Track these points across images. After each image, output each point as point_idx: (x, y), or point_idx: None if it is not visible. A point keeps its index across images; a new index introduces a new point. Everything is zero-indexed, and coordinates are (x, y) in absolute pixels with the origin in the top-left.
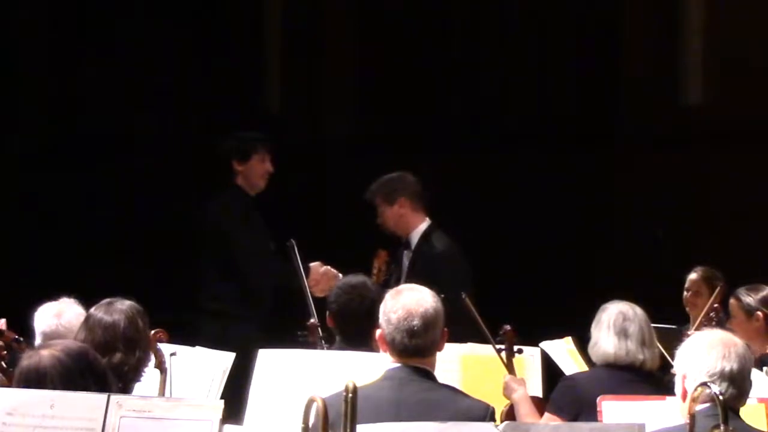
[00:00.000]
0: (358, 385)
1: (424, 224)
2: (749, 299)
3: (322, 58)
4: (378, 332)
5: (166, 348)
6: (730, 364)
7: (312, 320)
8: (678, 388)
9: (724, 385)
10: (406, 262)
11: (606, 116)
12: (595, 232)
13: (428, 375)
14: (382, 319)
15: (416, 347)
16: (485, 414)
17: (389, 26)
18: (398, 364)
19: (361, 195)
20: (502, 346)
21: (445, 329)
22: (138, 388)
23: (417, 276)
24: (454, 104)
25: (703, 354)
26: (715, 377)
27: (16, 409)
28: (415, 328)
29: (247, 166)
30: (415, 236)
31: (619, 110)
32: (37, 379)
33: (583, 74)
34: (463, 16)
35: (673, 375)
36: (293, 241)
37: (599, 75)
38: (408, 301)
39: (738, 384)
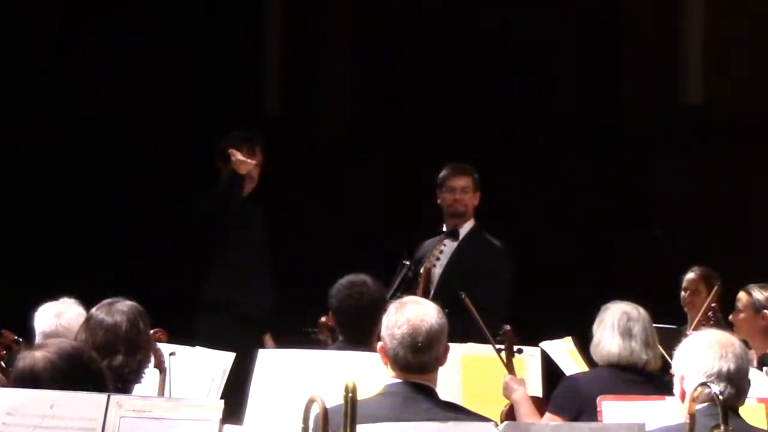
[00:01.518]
0: (357, 388)
1: (472, 221)
2: (760, 296)
3: (323, 58)
4: (379, 345)
5: (165, 348)
6: (728, 365)
7: (323, 318)
8: (676, 389)
9: (722, 385)
10: (443, 249)
11: (606, 116)
12: (595, 232)
13: (430, 392)
14: (385, 332)
15: (419, 363)
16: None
17: (390, 26)
18: (399, 380)
19: (360, 196)
20: (502, 346)
21: (448, 344)
22: (138, 387)
23: (462, 266)
24: (454, 105)
25: (701, 355)
26: (713, 378)
27: (16, 409)
28: (420, 344)
29: (227, 168)
30: (465, 229)
31: (620, 110)
32: (30, 381)
33: (583, 74)
34: (463, 16)
35: (673, 375)
36: (408, 263)
37: (599, 75)
38: (412, 316)
39: (736, 384)
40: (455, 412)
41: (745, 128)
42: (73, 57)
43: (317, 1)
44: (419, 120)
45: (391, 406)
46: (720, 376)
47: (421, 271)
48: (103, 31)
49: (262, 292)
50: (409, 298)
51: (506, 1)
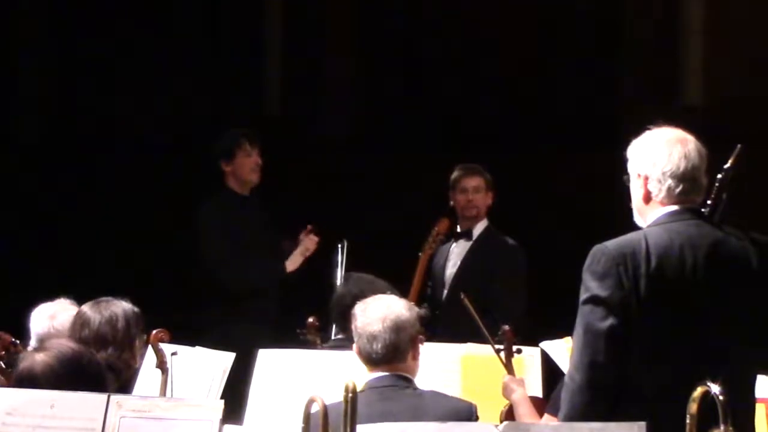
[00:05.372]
0: (357, 386)
1: (486, 221)
2: None
3: (323, 58)
4: (354, 347)
5: (167, 348)
6: (692, 163)
7: (311, 319)
8: (638, 191)
9: (687, 185)
10: (456, 250)
11: (606, 117)
12: (596, 233)
13: (407, 381)
14: (354, 332)
15: (385, 355)
16: (471, 414)
17: (390, 26)
18: (375, 374)
19: (360, 196)
20: (501, 347)
21: (421, 336)
22: (140, 388)
23: (477, 266)
24: (455, 105)
25: (664, 154)
26: (678, 177)
27: (16, 409)
28: (375, 333)
29: (234, 165)
30: (479, 229)
31: (619, 110)
32: (29, 383)
33: (583, 74)
34: (463, 16)
35: None
36: (345, 242)
37: (599, 75)
38: (371, 309)
39: (697, 180)
40: (436, 395)
41: (745, 128)
42: (73, 57)
43: (317, 1)
44: (419, 120)
45: (374, 401)
46: (685, 176)
47: (420, 255)
48: (102, 31)
49: (266, 288)
50: (372, 297)
51: (505, 1)
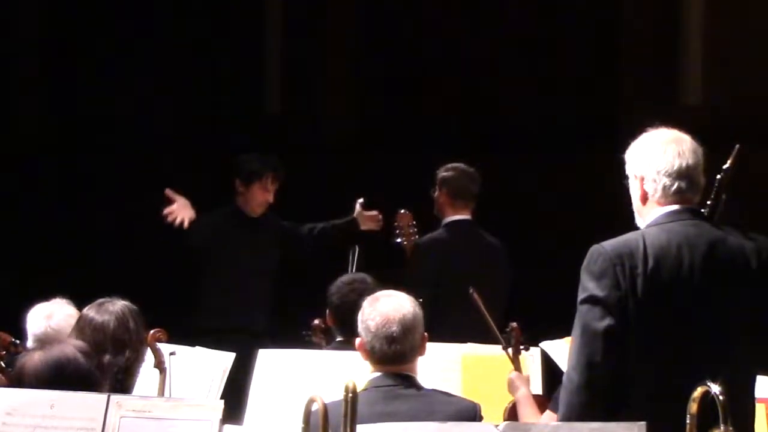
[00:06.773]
0: (357, 385)
1: (454, 217)
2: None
3: (323, 57)
4: (357, 341)
5: (165, 348)
6: (686, 161)
7: (317, 321)
8: (636, 192)
9: (683, 183)
10: None
11: (606, 117)
12: (596, 233)
13: (412, 381)
14: (360, 327)
15: (396, 354)
16: (475, 414)
17: (390, 25)
18: (380, 373)
19: (360, 196)
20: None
21: (425, 334)
22: (138, 387)
23: None
24: (455, 104)
25: (659, 154)
26: (673, 175)
27: (16, 409)
28: (394, 334)
29: (247, 190)
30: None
31: (620, 110)
32: (18, 383)
33: (583, 74)
34: (463, 15)
35: None
36: (357, 248)
37: (599, 75)
38: (385, 308)
39: (693, 178)
40: (441, 395)
41: (745, 128)
42: (72, 56)
43: (317, 1)
44: (419, 120)
45: (377, 400)
46: (680, 175)
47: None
48: (102, 30)
49: (258, 306)
50: (382, 292)
51: (506, 1)
